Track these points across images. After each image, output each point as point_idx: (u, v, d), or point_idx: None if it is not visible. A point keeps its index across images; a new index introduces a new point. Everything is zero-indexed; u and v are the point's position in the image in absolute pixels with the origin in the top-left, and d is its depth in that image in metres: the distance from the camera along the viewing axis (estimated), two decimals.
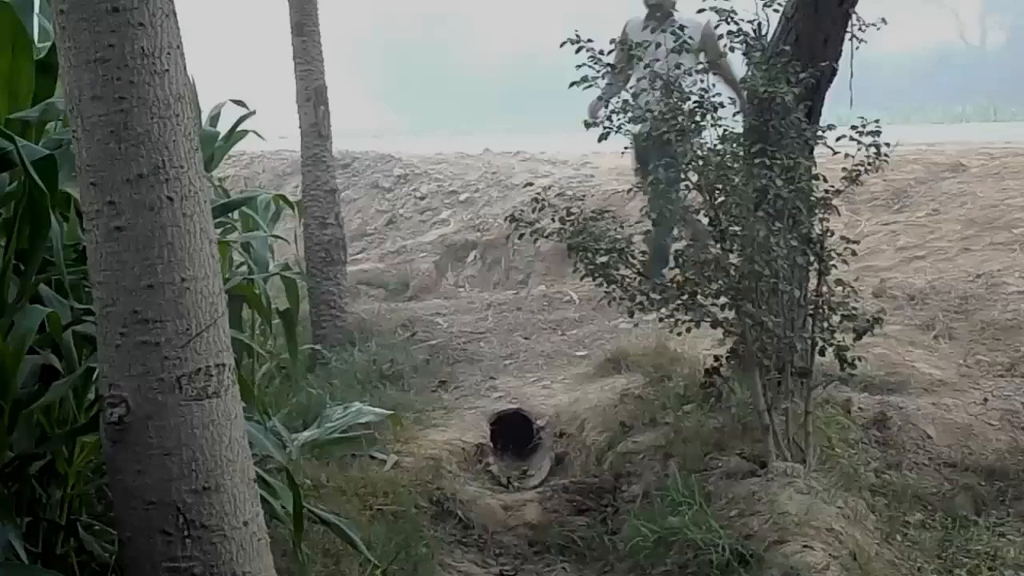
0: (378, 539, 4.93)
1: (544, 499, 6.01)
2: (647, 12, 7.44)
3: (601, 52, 5.39)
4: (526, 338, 9.07)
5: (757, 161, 5.35)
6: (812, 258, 5.51)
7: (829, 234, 5.53)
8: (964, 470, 5.81)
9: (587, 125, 5.47)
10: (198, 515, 3.02)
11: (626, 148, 5.46)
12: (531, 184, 6.50)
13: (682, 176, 5.48)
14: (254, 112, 6.66)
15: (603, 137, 5.45)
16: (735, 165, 5.41)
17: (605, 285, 5.51)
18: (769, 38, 5.92)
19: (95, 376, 3.48)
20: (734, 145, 5.51)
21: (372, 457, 6.04)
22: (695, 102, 5.41)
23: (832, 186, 5.55)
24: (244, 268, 6.41)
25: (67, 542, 3.76)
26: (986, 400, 6.47)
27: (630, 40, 5.77)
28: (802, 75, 5.56)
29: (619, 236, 5.49)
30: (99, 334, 3.06)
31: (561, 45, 5.49)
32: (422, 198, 14.77)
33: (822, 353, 5.49)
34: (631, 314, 5.57)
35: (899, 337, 7.43)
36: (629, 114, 5.46)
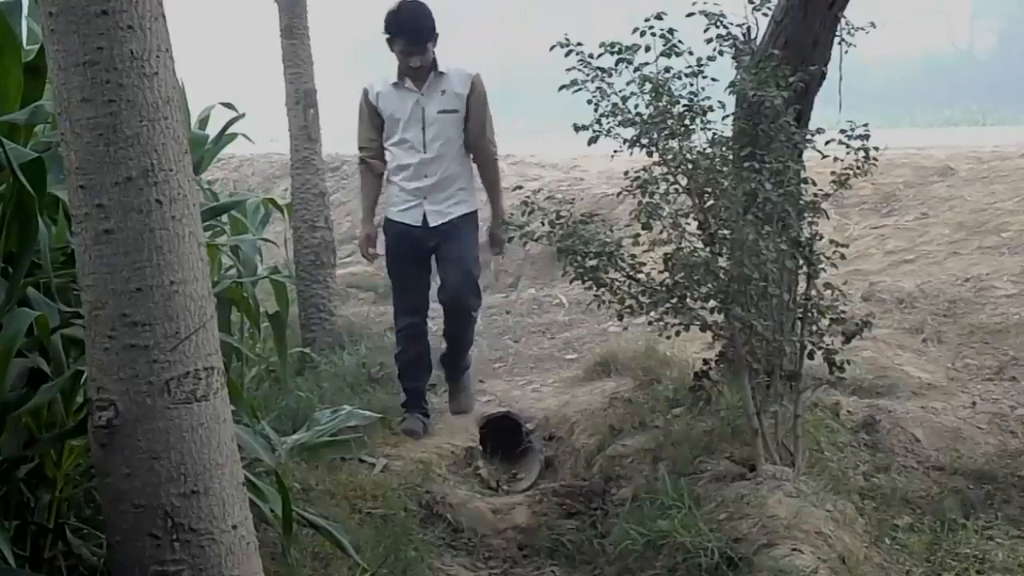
0: (367, 542, 4.92)
1: (533, 502, 6.01)
2: (402, 73, 6.35)
3: (591, 56, 5.39)
4: (515, 341, 9.08)
5: (746, 165, 5.35)
6: (801, 262, 5.51)
7: (818, 238, 5.53)
8: (953, 473, 5.82)
9: (576, 128, 5.47)
10: (187, 518, 3.02)
11: (615, 151, 5.44)
12: (520, 187, 6.50)
13: (671, 179, 5.47)
14: (243, 115, 6.66)
15: (592, 140, 5.45)
16: (725, 168, 5.42)
17: (594, 288, 5.51)
18: (758, 42, 5.93)
19: (83, 379, 3.47)
20: (723, 149, 5.51)
21: (361, 460, 6.03)
22: (684, 106, 5.41)
23: (821, 190, 5.56)
24: (233, 271, 6.41)
25: (55, 546, 3.74)
26: (974, 404, 6.50)
27: (386, 110, 6.42)
28: (791, 79, 5.56)
29: (608, 239, 5.49)
30: (87, 337, 3.05)
31: (551, 48, 5.49)
32: None
33: (811, 356, 5.50)
34: (620, 317, 5.56)
35: (888, 341, 7.45)
36: (619, 117, 5.45)
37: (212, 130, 6.58)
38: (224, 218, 6.51)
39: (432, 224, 6.36)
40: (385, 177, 6.64)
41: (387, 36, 6.20)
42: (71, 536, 3.78)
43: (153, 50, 2.92)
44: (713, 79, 5.51)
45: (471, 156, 6.54)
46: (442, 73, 6.29)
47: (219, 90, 7.22)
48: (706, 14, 5.55)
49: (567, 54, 5.40)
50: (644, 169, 5.45)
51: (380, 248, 6.76)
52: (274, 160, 16.55)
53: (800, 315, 5.52)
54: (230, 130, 6.66)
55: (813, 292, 5.50)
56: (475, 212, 6.55)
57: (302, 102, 8.83)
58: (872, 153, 5.47)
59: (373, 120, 6.48)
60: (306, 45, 8.86)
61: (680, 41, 5.36)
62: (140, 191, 2.90)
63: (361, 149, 6.62)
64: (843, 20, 6.07)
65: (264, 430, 4.56)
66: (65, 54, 2.87)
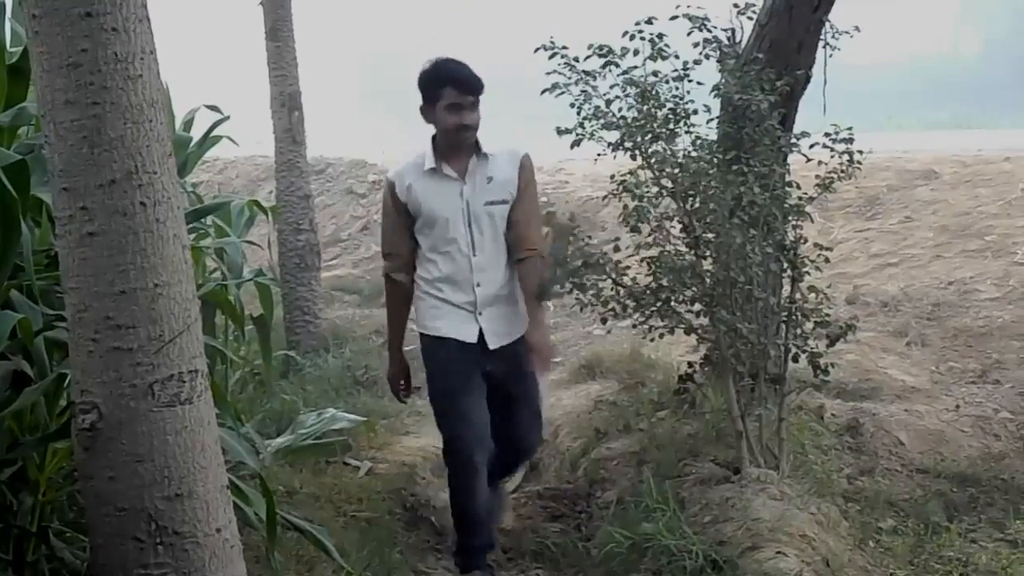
0: (352, 545, 4.91)
1: (518, 505, 6.02)
2: (442, 153, 4.94)
3: (576, 59, 5.38)
4: None
5: (734, 168, 5.36)
6: (786, 265, 5.53)
7: (803, 241, 5.54)
8: (936, 476, 5.84)
9: (560, 132, 5.46)
10: (170, 522, 3.01)
11: (599, 155, 5.44)
12: None
13: (656, 183, 5.47)
14: (228, 117, 6.65)
15: (576, 144, 5.44)
16: (710, 172, 5.42)
17: (578, 292, 5.51)
18: (743, 45, 5.94)
19: (67, 382, 3.46)
20: (708, 152, 5.51)
21: (346, 463, 6.03)
22: (669, 109, 5.41)
23: (806, 193, 5.57)
24: (218, 274, 6.39)
25: (38, 549, 3.73)
26: (958, 407, 6.52)
27: (422, 205, 4.93)
28: (776, 82, 5.57)
29: (592, 242, 5.49)
30: (71, 340, 3.04)
31: (535, 51, 5.48)
32: None
33: (795, 359, 5.50)
34: (604, 321, 5.56)
35: (872, 344, 7.47)
36: (602, 120, 5.45)
37: (196, 132, 6.57)
38: (209, 220, 6.50)
39: (492, 346, 4.97)
40: (420, 289, 5.12)
41: (426, 94, 4.88)
42: (54, 539, 3.77)
43: (137, 52, 2.90)
44: (698, 83, 5.52)
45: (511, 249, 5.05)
46: (486, 155, 4.93)
47: (204, 92, 7.22)
48: (690, 17, 5.55)
49: (551, 56, 5.39)
50: (630, 172, 5.45)
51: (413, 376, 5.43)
52: (259, 163, 16.54)
53: (785, 318, 5.52)
54: (214, 132, 6.65)
55: (798, 295, 5.50)
56: None
57: (287, 104, 8.84)
58: (856, 157, 5.48)
59: (401, 220, 5.01)
60: (291, 47, 8.87)
61: (667, 45, 5.36)
62: (124, 193, 2.89)
63: (386, 258, 5.19)
64: (827, 24, 6.09)
65: (248, 433, 4.54)
66: (49, 56, 2.86)
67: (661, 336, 5.61)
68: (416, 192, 4.92)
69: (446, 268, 4.96)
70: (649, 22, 5.32)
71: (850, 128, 5.53)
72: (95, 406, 2.97)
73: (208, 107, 6.67)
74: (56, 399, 3.74)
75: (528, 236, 4.98)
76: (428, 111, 4.88)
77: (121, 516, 3.01)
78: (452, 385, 4.98)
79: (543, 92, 5.43)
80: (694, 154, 5.44)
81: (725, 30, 5.78)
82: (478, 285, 4.94)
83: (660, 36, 5.34)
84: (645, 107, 5.37)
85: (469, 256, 4.92)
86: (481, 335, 4.96)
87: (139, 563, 3.02)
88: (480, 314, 4.95)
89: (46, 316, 3.68)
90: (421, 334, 5.13)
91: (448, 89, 4.79)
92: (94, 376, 2.97)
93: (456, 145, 4.88)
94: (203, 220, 6.18)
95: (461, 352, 4.97)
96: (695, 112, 5.47)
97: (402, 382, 5.34)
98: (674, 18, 5.52)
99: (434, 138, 4.94)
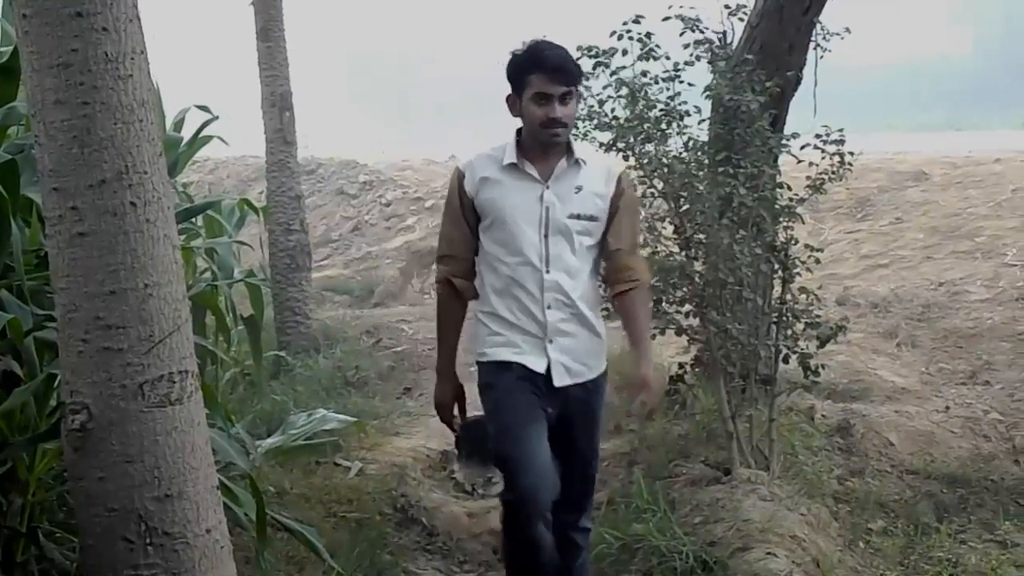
0: (342, 546, 4.91)
1: None
2: (526, 147, 4.11)
3: None
4: None
5: (722, 169, 5.36)
6: (776, 266, 5.53)
7: (793, 242, 5.55)
8: (926, 477, 5.85)
9: None
10: (160, 522, 3.00)
11: None
12: None
13: (647, 183, 5.47)
14: (218, 117, 6.64)
15: None
16: (700, 173, 5.43)
17: None
18: (734, 46, 5.95)
19: (57, 382, 3.46)
20: (699, 153, 5.52)
21: (336, 464, 6.02)
22: (661, 110, 5.42)
23: (796, 194, 5.57)
24: (208, 274, 6.38)
25: (28, 549, 3.72)
26: (948, 408, 6.53)
27: (493, 203, 4.09)
28: (767, 83, 5.58)
29: None
30: (61, 340, 3.03)
31: None
32: (388, 205, 14.78)
33: (786, 360, 5.51)
34: None
35: (862, 345, 7.49)
36: (595, 121, 5.46)
37: (187, 132, 6.56)
38: (199, 220, 6.49)
39: (558, 383, 4.07)
40: (477, 308, 4.29)
41: (513, 82, 4.08)
42: (44, 540, 3.76)
43: (128, 52, 2.90)
44: (690, 84, 5.52)
45: (601, 283, 4.33)
46: (578, 161, 4.09)
47: (194, 92, 7.21)
48: (682, 18, 5.56)
49: None
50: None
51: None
52: (249, 163, 16.53)
53: (775, 319, 5.53)
54: (205, 132, 6.64)
55: (788, 296, 5.51)
56: (607, 370, 4.31)
57: (278, 105, 8.83)
58: (847, 158, 5.49)
59: (466, 218, 4.16)
60: (282, 48, 8.86)
61: (657, 46, 5.37)
62: (114, 193, 2.88)
63: (441, 260, 4.27)
64: (818, 25, 6.10)
65: (239, 434, 4.54)
66: (39, 56, 2.85)
67: (652, 337, 5.61)
68: (489, 187, 4.10)
69: (512, 283, 4.08)
70: (636, 21, 5.32)
71: (841, 130, 5.54)
72: (85, 406, 2.96)
73: (198, 107, 6.65)
74: (46, 399, 3.73)
75: (632, 265, 4.17)
76: (514, 102, 4.09)
77: (111, 517, 3.00)
78: (518, 420, 4.06)
79: None
80: (684, 155, 5.45)
81: (716, 32, 5.79)
82: (549, 307, 4.05)
83: (648, 35, 5.35)
84: (637, 108, 5.38)
85: (541, 272, 4.04)
86: (549, 369, 4.06)
87: (129, 564, 3.01)
88: (550, 342, 4.04)
89: (36, 316, 3.67)
90: (479, 363, 4.22)
91: (536, 76, 3.99)
92: (84, 376, 2.96)
93: (544, 144, 4.06)
94: (194, 220, 6.17)
95: (528, 382, 4.06)
96: (687, 113, 5.48)
97: (455, 408, 4.32)
98: (667, 19, 5.53)
99: (519, 133, 4.14)
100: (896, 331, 7.89)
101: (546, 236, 4.04)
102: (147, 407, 2.96)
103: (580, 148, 4.15)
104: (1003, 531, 5.30)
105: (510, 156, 4.07)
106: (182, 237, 5.01)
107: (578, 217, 4.05)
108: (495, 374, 4.13)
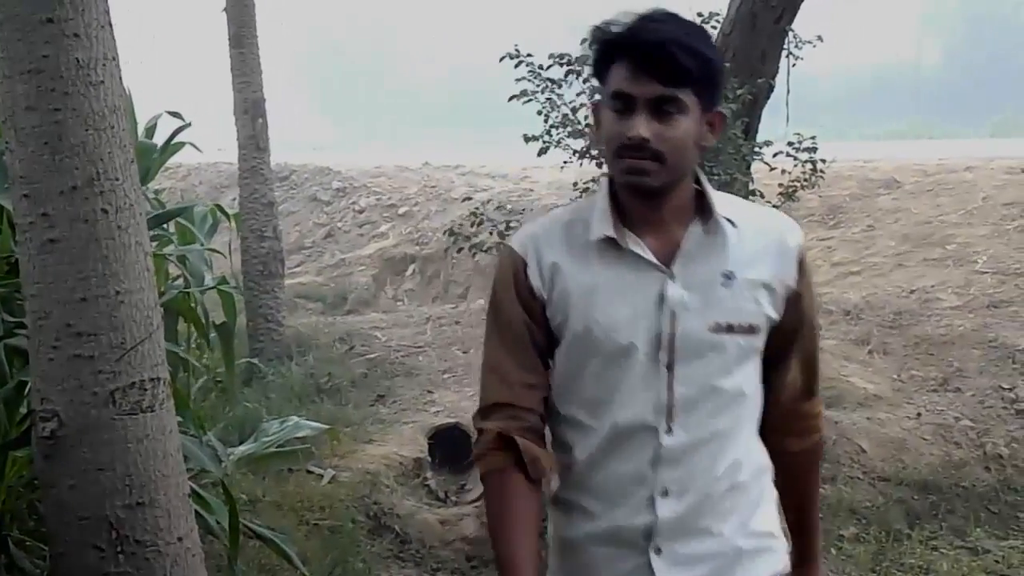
0: (314, 554, 4.90)
1: (482, 513, 6.00)
2: (627, 203, 2.22)
3: (541, 67, 5.39)
4: (465, 352, 9.05)
5: None
6: None
7: None
8: (898, 484, 5.88)
9: (527, 139, 5.47)
10: (132, 530, 2.99)
11: (565, 163, 5.45)
12: (470, 198, 6.49)
13: None
14: (190, 124, 6.60)
15: (543, 151, 5.45)
16: None
17: None
18: None
19: (27, 390, 3.43)
20: None
21: (309, 471, 6.01)
22: None
23: (769, 202, 5.59)
24: (180, 281, 6.35)
25: None
26: (919, 415, 6.56)
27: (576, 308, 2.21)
28: (739, 91, 5.59)
29: None
30: (31, 347, 3.02)
31: (500, 59, 5.49)
32: (361, 211, 14.75)
33: None
34: None
35: (834, 352, 7.50)
36: (568, 128, 5.47)
37: (159, 139, 6.53)
38: (171, 227, 6.46)
39: None
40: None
41: (599, 73, 2.20)
42: (13, 548, 3.74)
43: (99, 58, 2.89)
44: None
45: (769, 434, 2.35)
46: (720, 223, 2.19)
47: (166, 99, 7.18)
48: None
49: (516, 65, 5.40)
50: (593, 180, 5.46)
51: None
52: (222, 170, 16.47)
53: None
54: (177, 139, 6.60)
55: None
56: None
57: (250, 111, 8.80)
58: (819, 165, 5.52)
59: (533, 338, 2.28)
60: (255, 54, 8.83)
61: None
62: (86, 200, 2.87)
63: (495, 409, 2.37)
64: (791, 33, 6.12)
65: (211, 441, 4.52)
66: (10, 62, 2.84)
67: None
68: (568, 280, 2.23)
69: (602, 454, 2.24)
70: None
71: (813, 137, 5.57)
72: (55, 414, 2.94)
73: (170, 113, 6.62)
74: (16, 407, 3.71)
75: (813, 410, 2.39)
76: (597, 117, 2.25)
77: (82, 524, 2.99)
78: None
79: (510, 99, 5.44)
80: None
81: None
82: (664, 494, 2.20)
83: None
84: None
85: (657, 432, 2.19)
86: None
87: (100, 572, 2.99)
88: (659, 552, 2.20)
89: (6, 323, 3.66)
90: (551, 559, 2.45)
91: (618, 66, 2.14)
92: (55, 384, 2.95)
93: (639, 195, 2.21)
94: (165, 227, 6.14)
95: None
96: None
97: None
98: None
99: (612, 183, 2.31)
100: (868, 338, 7.91)
101: (670, 366, 2.18)
102: (118, 415, 2.95)
103: (724, 199, 2.27)
104: (974, 538, 5.34)
105: (602, 224, 2.23)
106: (154, 244, 4.99)
107: (729, 329, 2.19)
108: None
